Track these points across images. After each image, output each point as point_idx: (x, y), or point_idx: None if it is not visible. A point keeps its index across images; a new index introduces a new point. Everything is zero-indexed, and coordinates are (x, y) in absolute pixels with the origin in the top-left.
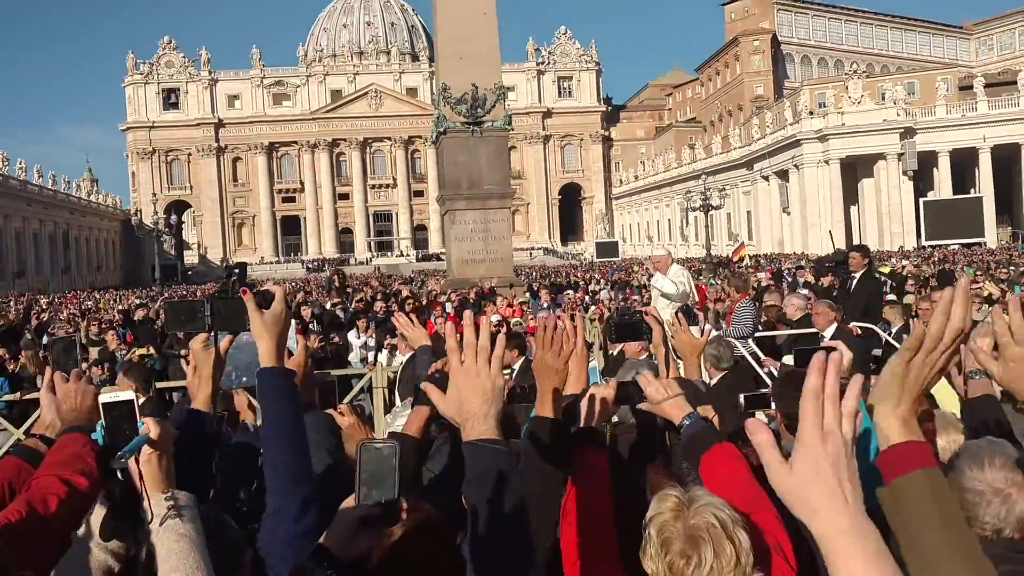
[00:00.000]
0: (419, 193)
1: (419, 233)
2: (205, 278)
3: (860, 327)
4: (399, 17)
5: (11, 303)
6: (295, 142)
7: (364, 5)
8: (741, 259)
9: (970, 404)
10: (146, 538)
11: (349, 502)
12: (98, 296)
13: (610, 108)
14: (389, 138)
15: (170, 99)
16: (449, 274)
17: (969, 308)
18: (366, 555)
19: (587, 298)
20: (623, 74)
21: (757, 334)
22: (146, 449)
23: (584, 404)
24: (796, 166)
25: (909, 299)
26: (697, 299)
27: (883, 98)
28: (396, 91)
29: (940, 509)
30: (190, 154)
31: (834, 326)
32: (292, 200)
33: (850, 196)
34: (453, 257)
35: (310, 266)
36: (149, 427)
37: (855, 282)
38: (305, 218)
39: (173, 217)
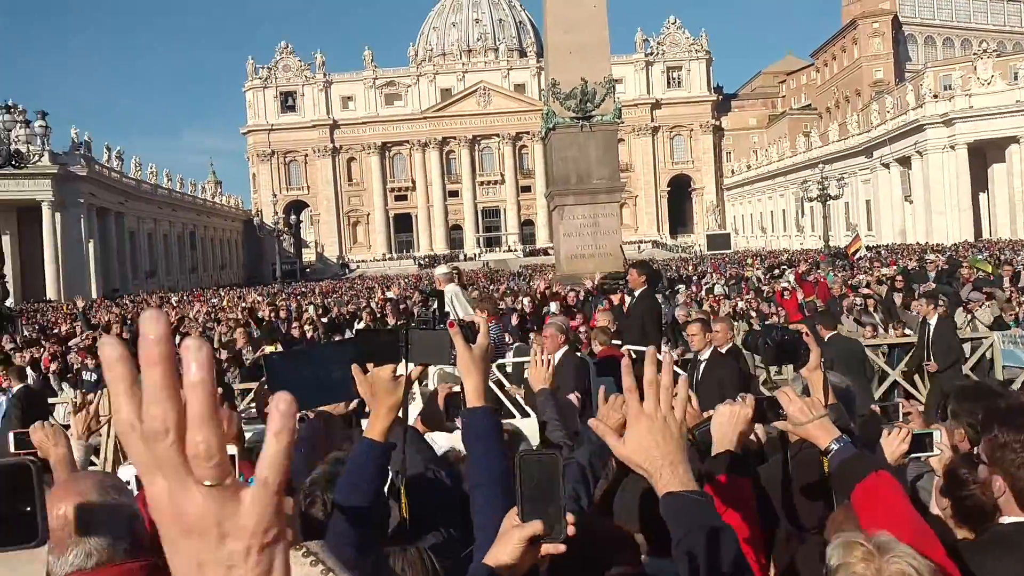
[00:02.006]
0: (526, 188)
1: (527, 228)
2: (323, 275)
3: (634, 351)
4: (507, 14)
5: (146, 302)
6: (406, 141)
7: (472, 3)
8: (856, 251)
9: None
10: None
11: (512, 517)
12: (223, 293)
13: (721, 97)
14: (497, 135)
15: (287, 102)
16: (558, 269)
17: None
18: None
19: (702, 292)
20: (734, 62)
21: None
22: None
23: (720, 424)
24: (919, 152)
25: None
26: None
27: (1015, 78)
28: (504, 88)
29: None
30: (307, 155)
31: (562, 350)
32: (404, 198)
33: (978, 183)
34: (562, 252)
35: (422, 262)
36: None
37: (633, 301)
38: (416, 215)
39: (292, 217)
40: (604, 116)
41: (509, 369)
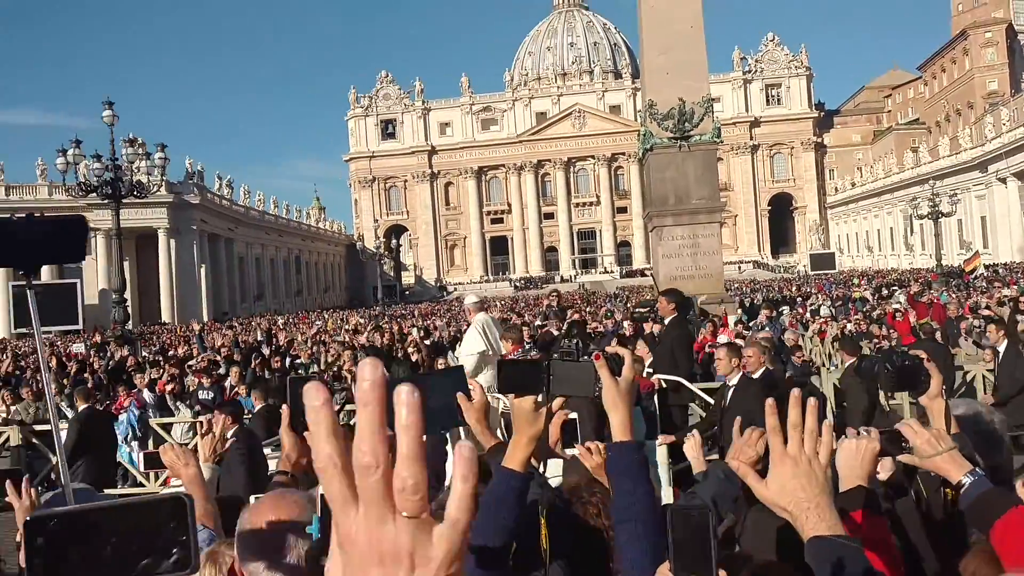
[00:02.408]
0: (622, 210)
1: (623, 249)
2: (421, 297)
3: (665, 380)
4: (601, 36)
5: (256, 324)
6: (502, 165)
7: (567, 27)
8: (974, 270)
9: None
10: None
11: (664, 572)
12: (326, 316)
13: (822, 114)
14: (592, 156)
15: (387, 129)
16: (657, 291)
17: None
18: None
19: (807, 315)
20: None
21: None
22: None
23: (847, 459)
24: None
25: None
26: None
27: None
28: (599, 110)
29: None
30: (406, 180)
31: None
32: (500, 221)
33: None
34: (661, 274)
35: (517, 284)
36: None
37: (664, 329)
38: (512, 238)
39: (393, 241)
40: (703, 136)
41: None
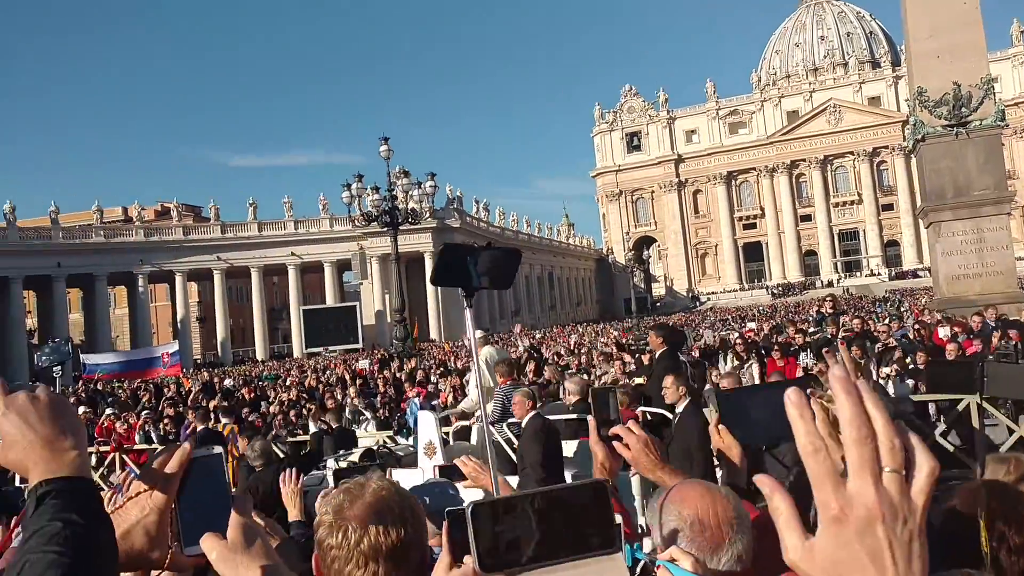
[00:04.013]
0: (888, 207)
1: (890, 249)
2: (672, 308)
3: (649, 413)
4: (855, 26)
5: (516, 337)
6: (752, 168)
7: (816, 20)
8: None
9: None
10: None
11: None
12: (580, 329)
13: None
14: (851, 152)
15: (632, 142)
16: (936, 292)
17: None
18: None
19: None
20: None
21: None
22: None
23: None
24: None
25: None
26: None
27: None
28: (856, 103)
29: None
30: (653, 192)
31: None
32: (753, 226)
33: None
34: (941, 273)
35: (775, 292)
36: None
37: (654, 362)
38: (767, 243)
39: (645, 252)
40: (983, 120)
41: None
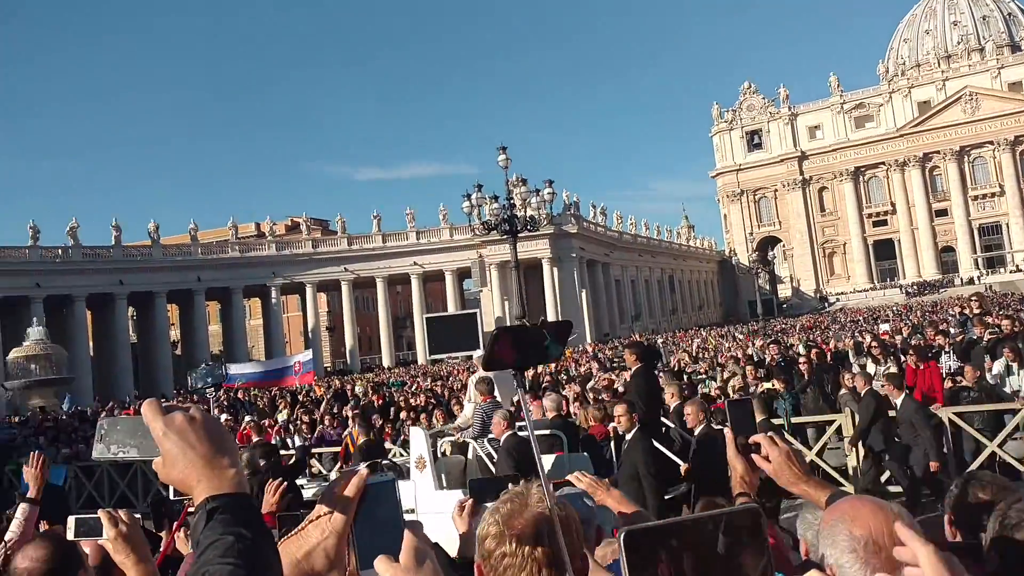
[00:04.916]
0: None
1: None
2: (799, 310)
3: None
4: (991, 8)
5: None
6: (881, 163)
7: (949, 5)
8: None
9: None
10: None
11: None
12: (704, 333)
13: None
14: (991, 142)
15: (753, 140)
16: None
17: None
18: None
19: None
20: None
21: None
22: None
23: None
24: None
25: None
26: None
27: None
28: (995, 89)
29: None
30: (776, 190)
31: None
32: (883, 223)
33: None
34: None
35: (909, 291)
36: None
37: (629, 380)
38: (899, 240)
39: (770, 253)
40: None
41: None
